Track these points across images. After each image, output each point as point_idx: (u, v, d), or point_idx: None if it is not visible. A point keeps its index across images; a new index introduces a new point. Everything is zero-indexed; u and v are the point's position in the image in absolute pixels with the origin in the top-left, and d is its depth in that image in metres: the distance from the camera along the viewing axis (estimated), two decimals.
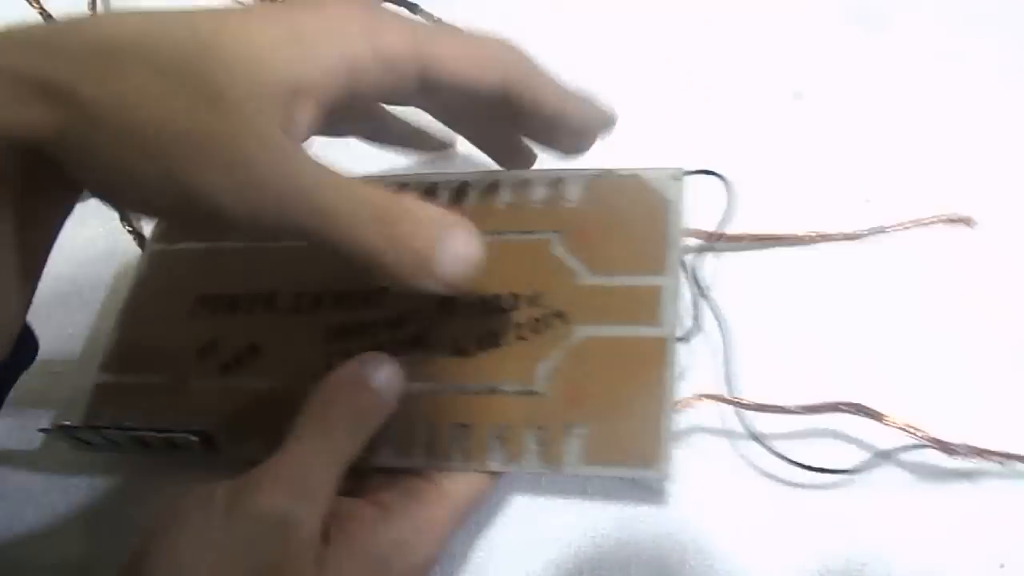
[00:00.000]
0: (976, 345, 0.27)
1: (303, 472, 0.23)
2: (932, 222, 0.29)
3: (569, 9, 0.38)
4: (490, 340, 0.27)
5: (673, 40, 0.36)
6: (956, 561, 0.24)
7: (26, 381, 0.31)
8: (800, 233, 0.29)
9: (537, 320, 0.27)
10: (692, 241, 0.29)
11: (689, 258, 0.28)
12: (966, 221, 0.29)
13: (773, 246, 0.30)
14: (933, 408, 0.25)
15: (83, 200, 0.23)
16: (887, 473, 0.25)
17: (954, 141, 0.31)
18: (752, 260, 0.30)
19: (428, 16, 0.37)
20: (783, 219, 0.29)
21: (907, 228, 0.29)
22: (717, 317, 0.27)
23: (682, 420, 0.26)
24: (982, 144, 0.31)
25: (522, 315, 0.27)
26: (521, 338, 0.26)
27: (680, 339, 0.26)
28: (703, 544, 0.25)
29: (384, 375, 0.24)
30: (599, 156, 0.28)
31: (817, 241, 0.29)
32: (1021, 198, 0.30)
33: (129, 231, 0.33)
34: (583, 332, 0.26)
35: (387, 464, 0.26)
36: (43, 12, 0.38)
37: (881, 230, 0.29)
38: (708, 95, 0.34)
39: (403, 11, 0.37)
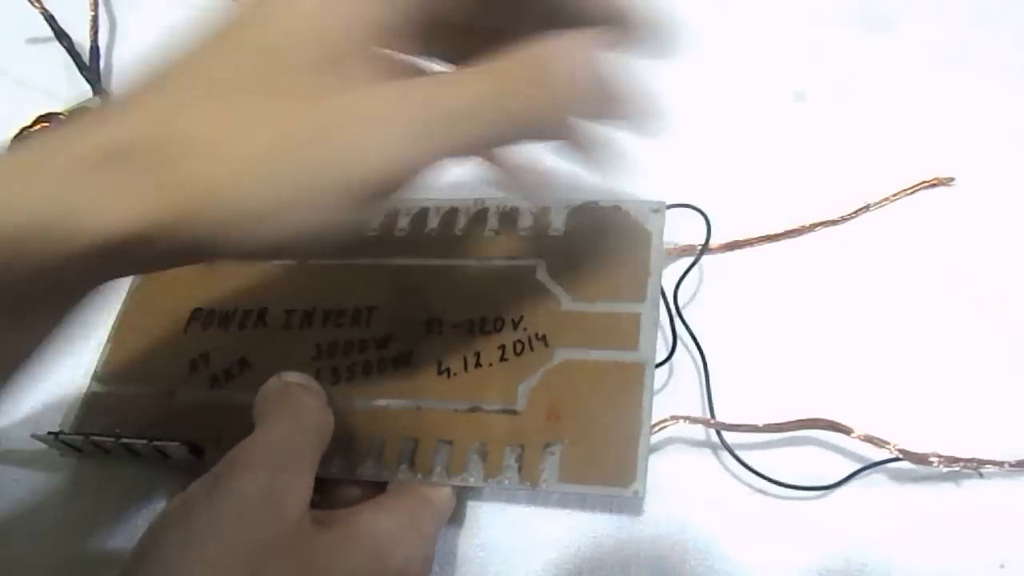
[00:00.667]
0: (966, 344, 0.28)
1: (281, 447, 0.23)
2: (915, 189, 0.31)
3: None
4: (474, 360, 0.28)
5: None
6: (956, 561, 0.24)
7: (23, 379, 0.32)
8: (781, 231, 0.31)
9: (520, 342, 0.27)
10: (672, 266, 0.30)
11: (669, 280, 0.29)
12: (945, 182, 0.31)
13: (760, 245, 0.31)
14: (915, 409, 0.26)
15: None
16: (880, 474, 0.26)
17: (942, 129, 0.32)
18: (733, 270, 0.30)
19: None
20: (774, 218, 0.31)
21: (892, 200, 0.31)
22: (696, 338, 0.28)
23: (670, 434, 0.27)
24: (973, 132, 0.32)
25: (505, 337, 0.28)
26: (504, 359, 0.27)
27: (658, 364, 0.27)
28: (703, 544, 0.26)
29: (307, 379, 0.26)
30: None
31: (804, 232, 0.30)
32: (998, 159, 0.31)
33: None
34: (564, 355, 0.27)
35: (370, 477, 0.26)
36: (44, 12, 0.38)
37: (867, 208, 0.31)
38: (707, 97, 0.35)
39: None
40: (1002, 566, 0.24)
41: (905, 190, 0.31)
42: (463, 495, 0.27)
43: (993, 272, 0.29)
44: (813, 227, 0.31)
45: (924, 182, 0.31)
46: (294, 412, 0.24)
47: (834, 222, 0.31)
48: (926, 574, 0.24)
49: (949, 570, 0.24)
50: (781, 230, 0.31)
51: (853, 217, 0.31)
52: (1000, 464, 0.25)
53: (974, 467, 0.25)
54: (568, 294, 0.28)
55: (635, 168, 0.32)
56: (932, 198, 0.31)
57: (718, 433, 0.26)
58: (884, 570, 0.25)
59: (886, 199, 0.31)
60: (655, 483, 0.26)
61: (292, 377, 0.26)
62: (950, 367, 0.27)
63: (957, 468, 0.25)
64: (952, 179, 0.31)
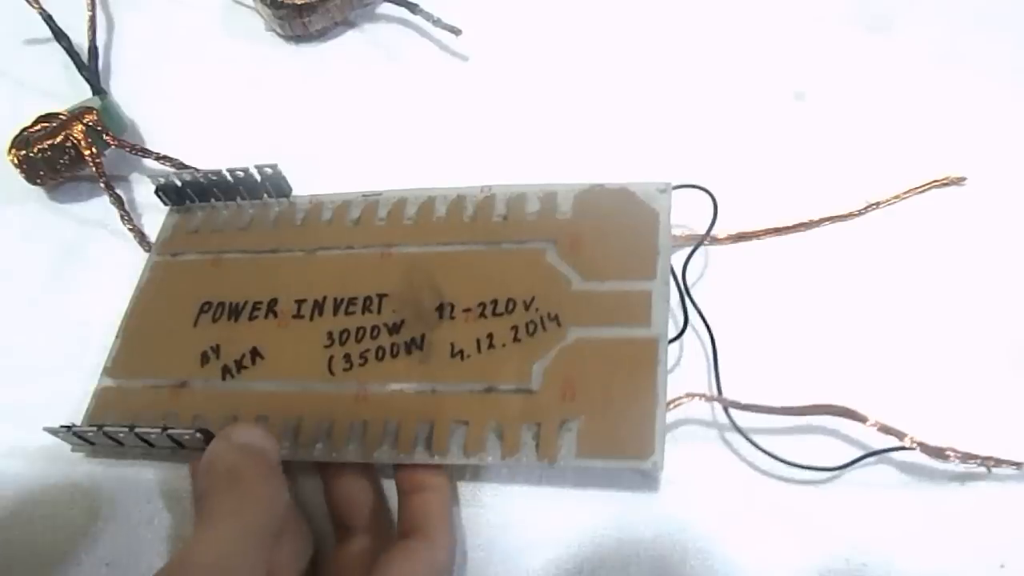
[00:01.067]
0: (973, 341, 0.28)
1: (228, 561, 0.20)
2: (925, 188, 0.31)
3: (568, 10, 0.39)
4: (487, 342, 0.28)
5: (674, 38, 0.37)
6: (956, 561, 0.25)
7: (24, 377, 0.32)
8: (790, 224, 0.31)
9: (532, 323, 0.28)
10: (682, 246, 0.30)
11: (678, 262, 0.29)
12: (957, 181, 0.31)
13: (768, 237, 0.31)
14: (926, 404, 0.26)
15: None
16: (883, 472, 0.26)
17: (949, 133, 0.33)
18: (743, 260, 0.31)
19: (428, 16, 0.38)
20: (780, 213, 0.31)
21: (903, 198, 0.31)
22: (706, 319, 0.28)
23: (675, 419, 0.27)
24: (978, 131, 0.32)
25: (518, 318, 0.28)
26: (517, 340, 0.27)
27: (671, 340, 0.27)
28: (703, 544, 0.26)
29: (260, 436, 0.24)
30: (604, 160, 0.30)
31: (812, 226, 0.31)
32: (1005, 158, 0.32)
33: (130, 229, 0.34)
34: (577, 333, 0.27)
35: (387, 461, 0.27)
36: (43, 12, 0.38)
37: (876, 206, 0.31)
38: (709, 95, 0.35)
39: (403, 11, 0.38)
40: (1002, 566, 0.24)
41: (916, 188, 0.31)
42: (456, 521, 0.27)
43: (1007, 272, 0.29)
44: (821, 222, 0.31)
45: (935, 181, 0.31)
46: (242, 504, 0.22)
47: (843, 217, 0.31)
48: (927, 573, 0.25)
49: (949, 569, 0.25)
50: (790, 223, 0.31)
51: (863, 213, 0.31)
52: (1017, 464, 0.25)
53: (991, 465, 0.25)
54: (578, 274, 0.28)
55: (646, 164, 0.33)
56: (943, 197, 0.31)
57: (725, 410, 0.26)
58: (884, 570, 0.25)
59: (896, 196, 0.31)
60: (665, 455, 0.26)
61: (243, 437, 0.24)
62: (960, 366, 0.28)
63: (974, 464, 0.25)
64: (964, 179, 0.31)
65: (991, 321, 0.28)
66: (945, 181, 0.31)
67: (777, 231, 0.31)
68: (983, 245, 0.30)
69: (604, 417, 0.25)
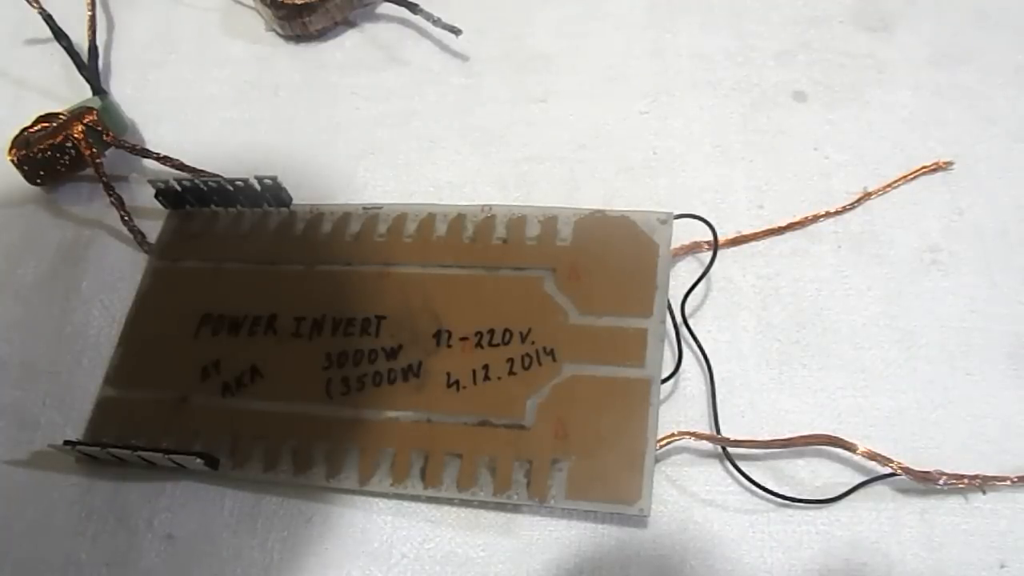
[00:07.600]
0: (972, 345, 0.28)
1: None
2: (915, 175, 0.32)
3: (571, 12, 0.38)
4: (483, 374, 0.28)
5: (675, 37, 0.37)
6: (956, 561, 0.25)
7: (23, 379, 0.32)
8: (783, 224, 0.31)
9: (528, 356, 0.28)
10: (677, 267, 0.30)
11: (675, 294, 0.29)
12: (945, 166, 0.32)
13: (763, 239, 0.31)
14: (920, 421, 0.27)
15: None
16: (884, 487, 0.26)
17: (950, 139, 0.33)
18: (737, 278, 0.31)
19: (428, 16, 0.37)
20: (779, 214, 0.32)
21: (893, 188, 0.32)
22: (702, 347, 0.29)
23: (670, 447, 0.27)
24: (975, 133, 0.33)
25: (513, 350, 0.28)
26: (512, 373, 0.28)
27: (664, 379, 0.27)
28: (704, 545, 0.26)
29: None
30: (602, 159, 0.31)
31: (807, 224, 0.31)
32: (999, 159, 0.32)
33: (130, 229, 0.34)
34: (571, 370, 0.27)
35: (382, 491, 0.27)
36: (42, 12, 0.38)
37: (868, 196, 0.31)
38: (706, 96, 0.35)
39: (403, 11, 0.38)
40: (1003, 566, 0.25)
41: (905, 176, 0.32)
42: None
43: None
44: (815, 219, 0.31)
45: (924, 167, 0.32)
46: None
47: (837, 212, 0.31)
48: (927, 572, 0.25)
49: (949, 570, 0.25)
50: (783, 223, 0.31)
51: (855, 206, 0.31)
52: (1005, 480, 0.25)
53: (978, 484, 0.25)
54: (575, 307, 0.29)
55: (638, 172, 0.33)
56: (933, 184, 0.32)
57: (724, 449, 0.27)
58: (884, 570, 0.25)
59: (888, 185, 0.32)
60: (658, 486, 0.26)
61: None
62: (956, 371, 0.28)
63: (961, 485, 0.25)
64: (952, 164, 0.32)
65: (986, 322, 0.29)
66: (933, 167, 0.32)
67: (772, 232, 0.31)
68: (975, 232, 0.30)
69: (594, 459, 0.26)
